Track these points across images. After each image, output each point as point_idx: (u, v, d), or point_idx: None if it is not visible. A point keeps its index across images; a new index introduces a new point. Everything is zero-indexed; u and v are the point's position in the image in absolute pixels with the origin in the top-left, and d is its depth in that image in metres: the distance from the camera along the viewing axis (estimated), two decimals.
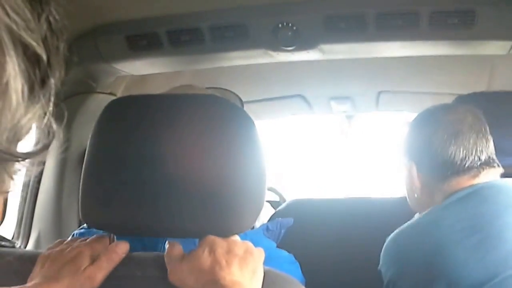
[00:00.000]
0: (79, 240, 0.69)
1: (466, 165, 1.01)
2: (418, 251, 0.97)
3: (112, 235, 0.69)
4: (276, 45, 1.03)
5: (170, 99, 0.70)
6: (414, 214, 1.09)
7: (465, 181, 1.01)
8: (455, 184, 1.01)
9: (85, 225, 0.89)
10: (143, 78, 1.32)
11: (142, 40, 1.02)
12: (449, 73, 1.55)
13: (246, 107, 1.15)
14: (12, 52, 0.27)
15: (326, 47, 1.05)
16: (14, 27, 0.28)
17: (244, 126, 0.67)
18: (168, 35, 1.00)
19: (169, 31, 0.99)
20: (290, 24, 0.97)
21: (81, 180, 0.68)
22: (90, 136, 0.69)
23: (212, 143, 0.65)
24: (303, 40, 1.01)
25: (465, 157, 1.01)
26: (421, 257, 0.95)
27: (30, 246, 1.25)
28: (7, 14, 0.27)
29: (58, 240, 0.70)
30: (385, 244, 1.03)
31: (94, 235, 0.70)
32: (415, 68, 1.51)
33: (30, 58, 0.29)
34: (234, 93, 1.14)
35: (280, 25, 0.96)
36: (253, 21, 0.97)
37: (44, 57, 0.30)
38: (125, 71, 1.18)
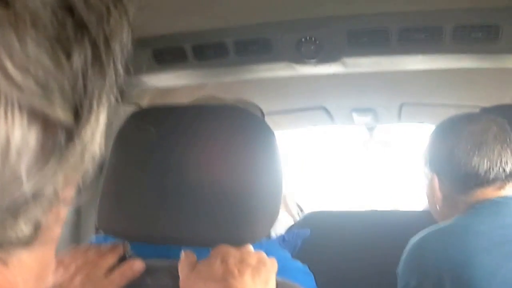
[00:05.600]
0: (93, 248, 0.68)
1: (491, 177, 0.98)
2: (445, 255, 0.93)
3: (126, 242, 0.69)
4: (299, 58, 1.04)
5: (191, 109, 0.71)
6: None
7: (490, 193, 0.98)
8: (479, 194, 0.99)
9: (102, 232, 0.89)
10: (167, 89, 1.35)
11: (168, 55, 1.05)
12: (473, 86, 1.54)
13: (268, 118, 1.16)
14: (17, 125, 0.20)
15: (349, 60, 1.05)
16: (17, 95, 0.19)
17: (264, 137, 0.67)
18: (193, 50, 1.02)
19: (195, 46, 1.02)
20: (313, 38, 0.98)
21: (101, 188, 0.69)
22: (112, 144, 0.69)
23: (230, 152, 0.65)
24: (325, 53, 1.02)
25: (490, 169, 0.98)
26: (448, 261, 0.92)
27: None
28: (8, 77, 0.19)
29: (73, 246, 0.70)
30: (408, 246, 1.00)
31: (109, 243, 0.70)
32: (438, 81, 1.50)
33: (47, 127, 0.22)
34: (255, 105, 1.15)
35: (303, 39, 0.98)
36: (277, 36, 0.99)
37: (70, 122, 0.22)
38: (150, 84, 1.21)
